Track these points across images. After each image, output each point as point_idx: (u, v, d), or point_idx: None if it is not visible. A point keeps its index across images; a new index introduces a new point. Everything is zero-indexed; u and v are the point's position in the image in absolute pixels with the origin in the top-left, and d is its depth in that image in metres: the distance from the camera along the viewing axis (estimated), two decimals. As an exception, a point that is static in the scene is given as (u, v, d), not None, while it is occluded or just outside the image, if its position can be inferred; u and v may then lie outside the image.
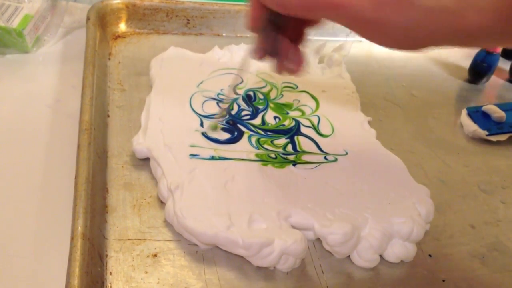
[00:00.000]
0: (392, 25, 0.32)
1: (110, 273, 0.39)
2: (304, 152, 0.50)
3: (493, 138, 0.58)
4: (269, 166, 0.47)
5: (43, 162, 0.48)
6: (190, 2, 0.67)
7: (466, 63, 0.69)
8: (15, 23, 0.59)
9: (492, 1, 0.30)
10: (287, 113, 0.54)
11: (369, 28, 0.33)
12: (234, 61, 0.60)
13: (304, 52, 0.42)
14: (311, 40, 0.69)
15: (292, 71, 0.41)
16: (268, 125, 0.52)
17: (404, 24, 0.32)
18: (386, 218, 0.43)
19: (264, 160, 0.48)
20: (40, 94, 0.56)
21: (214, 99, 0.54)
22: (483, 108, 0.60)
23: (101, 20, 0.63)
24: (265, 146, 0.49)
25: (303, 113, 0.55)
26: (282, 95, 0.57)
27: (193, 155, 0.47)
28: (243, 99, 0.55)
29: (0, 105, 0.54)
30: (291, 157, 0.49)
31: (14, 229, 0.42)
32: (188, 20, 0.67)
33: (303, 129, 0.52)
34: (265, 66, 0.61)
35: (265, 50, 0.41)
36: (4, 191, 0.45)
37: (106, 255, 0.40)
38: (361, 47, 0.70)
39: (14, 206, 0.44)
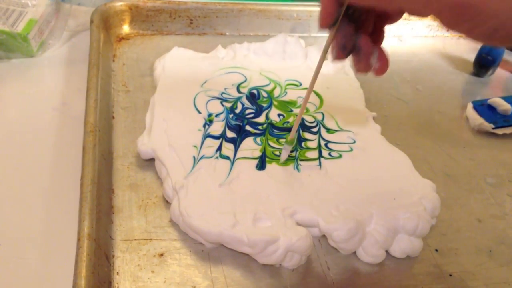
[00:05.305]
0: (488, 12, 0.29)
1: (117, 273, 0.39)
2: (308, 148, 0.50)
3: (499, 131, 0.58)
4: (274, 164, 0.47)
5: (50, 164, 0.49)
6: (193, 2, 0.67)
7: (471, 56, 0.68)
8: (19, 27, 0.59)
9: None
10: (291, 111, 0.54)
11: (461, 15, 0.30)
12: (237, 59, 0.61)
13: (386, 50, 0.38)
14: (315, 37, 0.70)
15: (377, 70, 0.38)
16: (273, 122, 0.52)
17: (502, 12, 0.29)
18: (392, 214, 0.43)
19: (268, 157, 0.48)
20: (46, 97, 0.57)
21: (218, 98, 0.54)
22: (489, 101, 0.60)
23: (105, 23, 0.64)
24: (270, 143, 0.50)
25: (307, 110, 0.55)
26: (286, 93, 0.57)
27: (197, 155, 0.47)
28: (247, 98, 0.55)
29: (7, 109, 0.55)
30: (295, 154, 0.49)
31: (21, 231, 0.43)
32: (191, 20, 0.68)
33: (308, 126, 0.52)
34: (268, 64, 0.61)
35: (345, 48, 0.37)
36: (11, 193, 0.46)
37: (113, 256, 0.40)
38: (364, 43, 0.70)
39: (21, 208, 0.45)
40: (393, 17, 0.38)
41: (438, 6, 0.31)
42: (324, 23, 0.37)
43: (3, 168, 0.48)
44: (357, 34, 0.37)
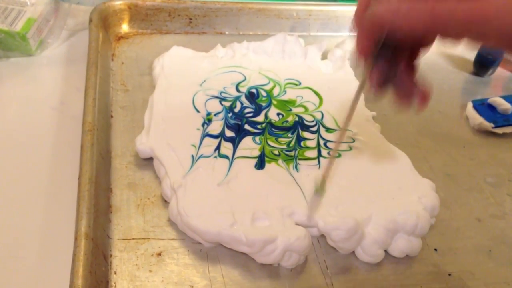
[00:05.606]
0: None
1: (115, 273, 0.39)
2: (307, 148, 0.49)
3: (499, 131, 0.57)
4: (273, 164, 0.47)
5: (48, 163, 0.49)
6: (192, 1, 0.67)
7: (471, 56, 0.68)
8: (18, 26, 0.59)
9: None
10: (290, 110, 0.54)
11: None
12: (237, 59, 0.60)
13: (424, 79, 0.36)
14: (315, 36, 0.70)
15: (419, 105, 0.35)
16: (272, 121, 0.52)
17: None
18: (391, 213, 0.43)
19: (267, 156, 0.48)
20: (44, 96, 0.57)
21: (217, 97, 0.54)
22: (489, 101, 0.60)
23: (104, 22, 0.63)
24: (269, 142, 0.49)
25: (306, 109, 0.55)
26: (285, 92, 0.57)
27: (196, 154, 0.47)
28: (246, 97, 0.55)
29: (5, 108, 0.55)
30: (294, 153, 0.48)
31: (19, 230, 0.43)
32: (191, 19, 0.67)
33: (307, 125, 0.52)
34: (268, 63, 0.61)
35: (382, 82, 0.35)
36: (9, 192, 0.46)
37: (111, 255, 0.40)
38: (364, 42, 0.69)
39: (19, 207, 0.45)
40: (427, 44, 0.36)
41: (500, 38, 0.28)
42: (365, 56, 0.34)
43: (1, 167, 0.48)
44: (394, 64, 0.35)
